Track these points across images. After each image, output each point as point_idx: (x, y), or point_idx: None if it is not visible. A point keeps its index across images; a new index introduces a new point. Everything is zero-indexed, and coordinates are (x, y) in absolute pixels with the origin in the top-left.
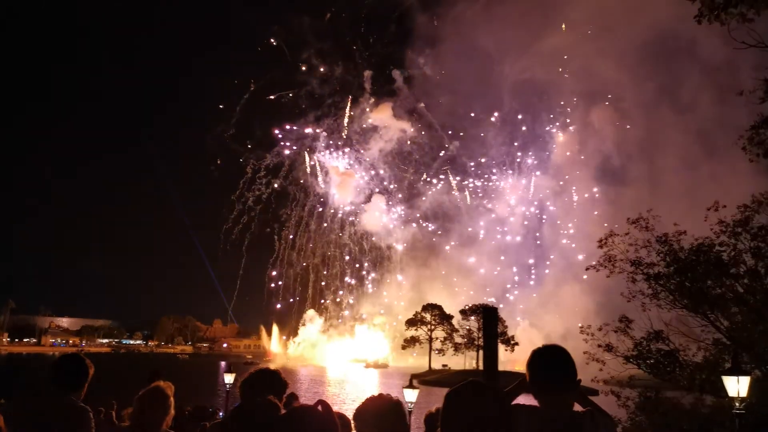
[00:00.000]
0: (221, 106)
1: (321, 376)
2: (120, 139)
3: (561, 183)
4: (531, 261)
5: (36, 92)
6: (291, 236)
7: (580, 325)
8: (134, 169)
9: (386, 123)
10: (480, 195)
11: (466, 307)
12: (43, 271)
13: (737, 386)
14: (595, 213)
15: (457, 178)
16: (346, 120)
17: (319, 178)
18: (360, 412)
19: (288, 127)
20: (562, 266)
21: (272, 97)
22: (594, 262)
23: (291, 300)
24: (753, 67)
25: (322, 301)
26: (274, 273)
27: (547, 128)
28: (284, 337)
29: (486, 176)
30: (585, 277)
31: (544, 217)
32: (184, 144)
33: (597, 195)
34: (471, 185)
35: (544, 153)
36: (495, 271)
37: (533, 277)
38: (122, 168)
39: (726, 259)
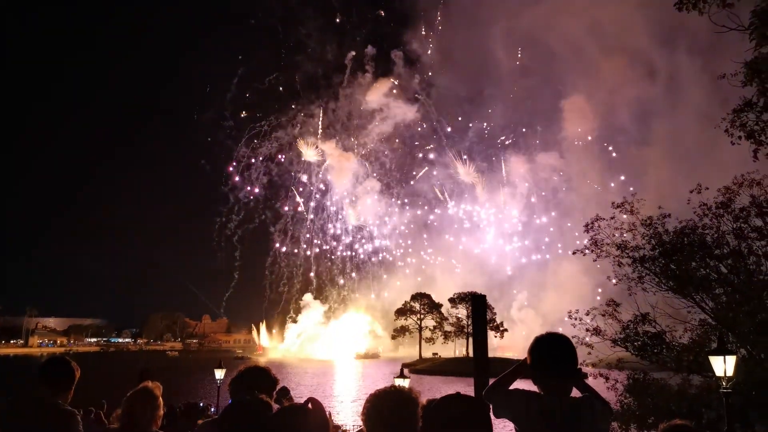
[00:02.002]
0: (209, 90)
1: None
2: (107, 136)
3: (568, 160)
4: (532, 241)
5: (20, 89)
6: (287, 226)
7: (568, 310)
8: (120, 165)
9: (386, 105)
10: (483, 175)
11: (455, 295)
12: (28, 271)
13: (724, 366)
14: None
15: (461, 159)
16: (342, 102)
17: (314, 161)
18: (375, 402)
19: (282, 112)
20: (565, 246)
21: (265, 82)
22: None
23: (287, 291)
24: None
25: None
26: (270, 264)
27: (556, 101)
28: (274, 331)
29: (491, 155)
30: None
31: (549, 194)
32: (173, 137)
33: (609, 162)
34: (475, 164)
35: (551, 127)
36: (498, 253)
37: (537, 257)
38: (107, 165)
39: (709, 241)
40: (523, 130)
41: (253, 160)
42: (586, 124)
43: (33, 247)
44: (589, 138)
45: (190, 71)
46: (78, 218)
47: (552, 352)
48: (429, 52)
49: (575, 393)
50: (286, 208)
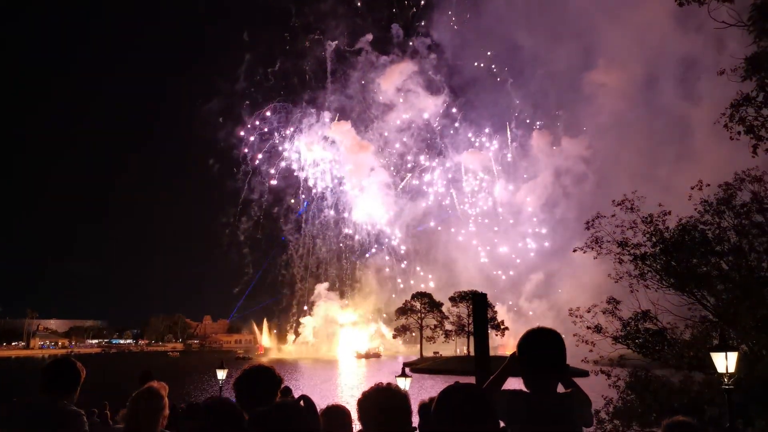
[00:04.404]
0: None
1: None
2: (106, 134)
3: (595, 141)
4: (552, 230)
5: (24, 87)
6: (300, 223)
7: (569, 308)
8: (120, 163)
9: (402, 90)
10: (504, 162)
11: (455, 294)
12: (28, 273)
13: (725, 362)
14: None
15: (481, 146)
16: (357, 88)
17: (328, 153)
18: (366, 400)
19: (293, 101)
20: (582, 236)
21: (275, 68)
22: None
23: (300, 289)
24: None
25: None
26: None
27: (583, 75)
28: (275, 331)
29: (514, 141)
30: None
31: (574, 181)
32: (176, 134)
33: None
34: (495, 151)
35: (578, 106)
36: (516, 244)
37: (552, 248)
38: (107, 163)
39: (710, 238)
40: (557, 112)
41: (260, 155)
42: (615, 97)
43: (33, 248)
44: (618, 113)
45: (195, 60)
46: (78, 219)
47: (538, 348)
48: (446, 32)
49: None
50: (301, 203)
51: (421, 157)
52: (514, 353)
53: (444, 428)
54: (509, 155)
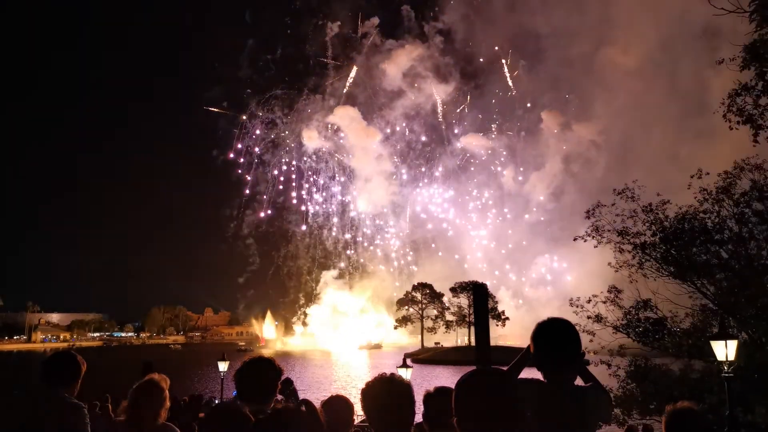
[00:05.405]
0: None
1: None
2: (106, 124)
3: (607, 123)
4: (554, 218)
5: (23, 75)
6: (306, 213)
7: (570, 298)
8: (121, 154)
9: (409, 76)
10: (512, 148)
11: (456, 284)
12: (28, 267)
13: (725, 350)
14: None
15: (489, 132)
16: (362, 74)
17: (333, 142)
18: (368, 392)
19: (296, 88)
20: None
21: (276, 54)
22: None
23: (305, 282)
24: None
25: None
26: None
27: (594, 53)
28: (277, 322)
29: (523, 126)
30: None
31: (578, 168)
32: (176, 123)
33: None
34: (503, 137)
35: (588, 91)
36: (521, 228)
37: (560, 235)
38: (107, 154)
39: (710, 226)
40: (567, 95)
41: (264, 144)
42: (630, 76)
43: (33, 241)
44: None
45: (195, 48)
46: (79, 212)
47: (552, 339)
48: (456, 16)
49: (579, 381)
50: (304, 194)
51: (423, 157)
52: (529, 346)
53: (468, 419)
54: (518, 143)
